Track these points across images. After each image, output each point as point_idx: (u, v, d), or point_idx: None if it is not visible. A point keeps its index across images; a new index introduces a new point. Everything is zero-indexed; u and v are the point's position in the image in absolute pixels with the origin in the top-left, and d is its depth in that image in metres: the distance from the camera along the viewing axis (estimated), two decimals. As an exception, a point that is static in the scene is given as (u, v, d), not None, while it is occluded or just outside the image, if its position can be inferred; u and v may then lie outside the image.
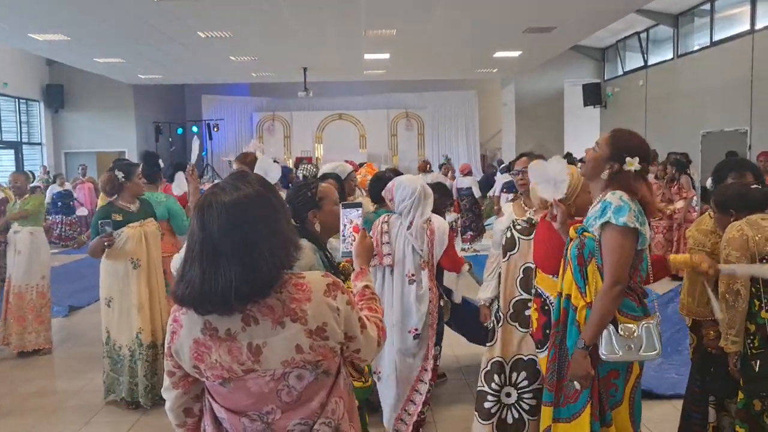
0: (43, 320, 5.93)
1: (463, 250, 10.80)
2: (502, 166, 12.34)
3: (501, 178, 10.63)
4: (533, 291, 3.27)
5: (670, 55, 15.16)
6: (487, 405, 3.58)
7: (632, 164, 2.46)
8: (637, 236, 2.43)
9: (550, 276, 3.02)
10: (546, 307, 3.07)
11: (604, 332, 2.40)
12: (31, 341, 5.83)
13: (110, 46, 12.91)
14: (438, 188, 4.41)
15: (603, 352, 2.41)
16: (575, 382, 2.48)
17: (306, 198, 2.67)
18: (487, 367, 3.60)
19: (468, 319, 4.55)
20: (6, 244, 6.04)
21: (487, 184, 11.46)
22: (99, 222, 4.46)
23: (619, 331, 2.39)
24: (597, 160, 2.54)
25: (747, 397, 2.96)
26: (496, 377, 3.55)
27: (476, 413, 3.65)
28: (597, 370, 2.48)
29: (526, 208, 3.59)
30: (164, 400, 1.79)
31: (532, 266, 3.39)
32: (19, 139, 16.70)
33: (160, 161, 5.49)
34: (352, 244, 2.16)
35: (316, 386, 1.66)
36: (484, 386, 3.60)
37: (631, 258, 2.43)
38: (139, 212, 4.66)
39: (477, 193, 11.10)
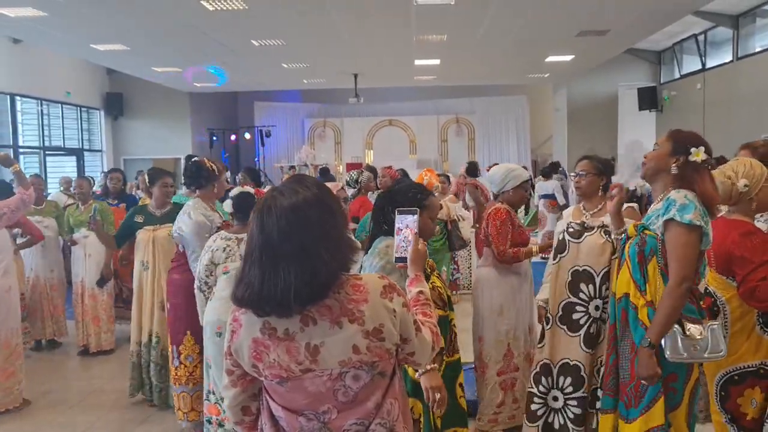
0: (113, 320, 6.17)
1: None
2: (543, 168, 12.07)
3: (539, 188, 10.37)
4: (705, 290, 2.99)
5: (729, 58, 14.70)
6: (533, 407, 3.58)
7: (698, 154, 2.42)
8: (701, 235, 2.37)
9: (722, 276, 2.92)
10: (714, 308, 2.85)
11: (670, 334, 2.35)
12: (107, 340, 6.09)
13: (167, 56, 13.27)
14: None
15: (668, 354, 2.36)
16: (642, 382, 2.43)
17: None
18: (536, 368, 3.61)
19: None
20: (71, 250, 6.26)
21: None
22: None
23: (686, 332, 2.34)
24: (660, 157, 2.52)
25: None
26: (543, 379, 3.55)
27: (524, 414, 3.67)
28: None
29: (584, 211, 3.56)
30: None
31: (580, 269, 3.37)
32: (80, 146, 17.29)
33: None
34: (406, 250, 2.16)
35: (372, 387, 1.67)
36: (532, 387, 3.61)
37: (697, 256, 2.37)
38: (161, 217, 4.80)
39: None
